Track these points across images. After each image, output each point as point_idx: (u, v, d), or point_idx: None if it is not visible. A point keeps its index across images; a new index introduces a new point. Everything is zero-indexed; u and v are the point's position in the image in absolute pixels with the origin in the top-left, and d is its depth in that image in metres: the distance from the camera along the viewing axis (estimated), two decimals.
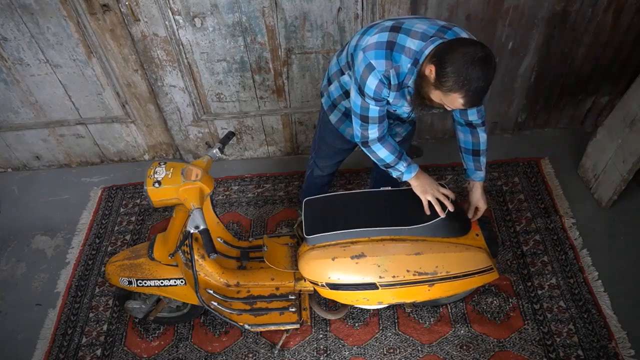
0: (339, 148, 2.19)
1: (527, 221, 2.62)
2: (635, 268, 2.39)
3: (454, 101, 1.52)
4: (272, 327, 2.10)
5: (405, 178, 1.89)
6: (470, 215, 1.99)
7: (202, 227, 1.74)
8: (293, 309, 2.11)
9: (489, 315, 2.29)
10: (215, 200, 2.93)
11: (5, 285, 2.69)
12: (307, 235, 1.95)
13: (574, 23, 2.50)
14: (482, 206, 1.98)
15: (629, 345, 2.14)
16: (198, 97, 2.77)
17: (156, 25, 2.41)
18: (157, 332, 2.39)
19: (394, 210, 1.95)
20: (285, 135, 3.02)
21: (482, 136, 1.88)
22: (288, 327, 2.12)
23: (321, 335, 2.30)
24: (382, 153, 1.85)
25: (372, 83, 1.63)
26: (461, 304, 2.33)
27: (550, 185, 2.76)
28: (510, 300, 2.33)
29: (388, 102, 1.74)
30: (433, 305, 2.33)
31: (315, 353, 2.25)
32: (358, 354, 2.23)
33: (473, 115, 1.83)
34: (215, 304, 2.05)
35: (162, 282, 2.07)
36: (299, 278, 2.13)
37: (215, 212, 2.17)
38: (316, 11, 2.38)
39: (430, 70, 1.52)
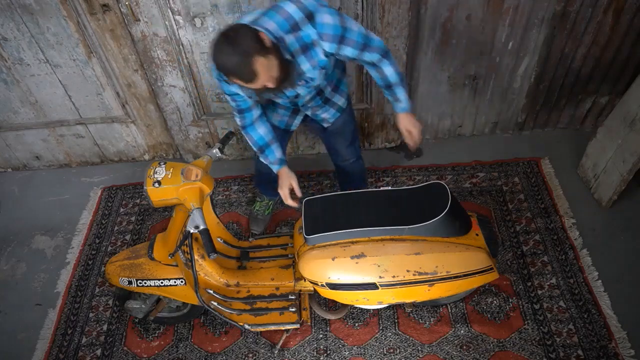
0: None
1: (527, 221, 2.62)
2: (635, 268, 2.39)
3: (242, 84, 1.65)
4: (272, 327, 2.10)
5: (273, 170, 2.10)
6: (408, 142, 2.00)
7: (202, 227, 1.74)
8: (293, 309, 2.11)
9: (489, 315, 2.29)
10: (215, 200, 2.93)
11: (5, 285, 2.69)
12: (307, 235, 1.95)
13: (574, 23, 2.50)
14: (413, 129, 1.97)
15: (629, 345, 2.14)
16: (198, 97, 2.77)
17: (156, 25, 2.41)
18: (157, 332, 2.39)
19: (394, 210, 1.95)
20: None
21: (388, 69, 1.88)
22: (288, 327, 2.12)
23: (321, 335, 2.30)
24: (249, 141, 2.06)
25: (216, 82, 1.86)
26: (461, 304, 2.33)
27: (550, 185, 2.76)
28: (510, 300, 2.33)
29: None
30: (433, 305, 2.33)
31: (315, 353, 2.25)
32: (358, 354, 2.23)
33: (369, 56, 1.82)
34: (215, 304, 2.05)
35: (162, 282, 2.07)
36: (299, 278, 2.13)
37: (215, 212, 2.17)
38: None
39: None
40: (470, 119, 3.00)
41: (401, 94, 1.93)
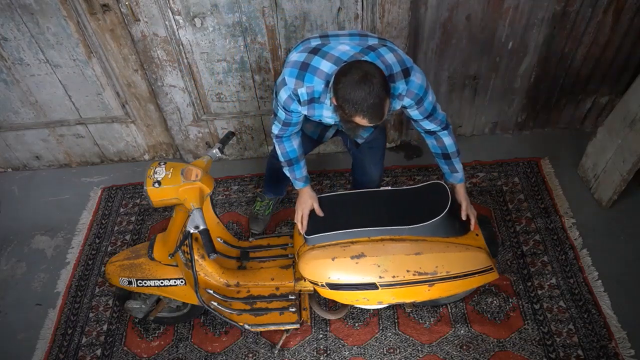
0: None
1: (527, 221, 2.62)
2: (635, 268, 2.39)
3: (361, 122, 1.63)
4: (272, 327, 2.10)
5: (295, 187, 2.07)
6: (464, 217, 1.96)
7: (202, 227, 1.74)
8: (293, 309, 2.11)
9: (489, 315, 2.29)
10: (215, 200, 2.93)
11: (5, 285, 2.69)
12: (307, 235, 1.95)
13: (574, 23, 2.50)
14: (465, 206, 1.98)
15: (629, 345, 2.14)
16: (198, 97, 2.77)
17: (156, 25, 2.41)
18: (157, 332, 2.39)
19: (394, 210, 1.95)
20: None
21: (447, 140, 1.92)
22: (288, 327, 2.12)
23: (321, 335, 2.30)
24: (278, 150, 2.02)
25: (282, 95, 1.79)
26: (461, 304, 2.33)
27: (550, 185, 2.76)
28: (510, 300, 2.33)
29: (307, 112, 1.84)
30: (433, 305, 2.33)
31: (315, 353, 2.25)
32: (358, 354, 2.23)
33: (429, 125, 1.88)
34: (215, 304, 2.05)
35: (162, 282, 2.07)
36: (299, 278, 2.13)
37: (215, 212, 2.18)
38: (316, 11, 2.38)
39: (332, 100, 1.66)
40: (470, 119, 3.00)
41: (459, 165, 1.98)
